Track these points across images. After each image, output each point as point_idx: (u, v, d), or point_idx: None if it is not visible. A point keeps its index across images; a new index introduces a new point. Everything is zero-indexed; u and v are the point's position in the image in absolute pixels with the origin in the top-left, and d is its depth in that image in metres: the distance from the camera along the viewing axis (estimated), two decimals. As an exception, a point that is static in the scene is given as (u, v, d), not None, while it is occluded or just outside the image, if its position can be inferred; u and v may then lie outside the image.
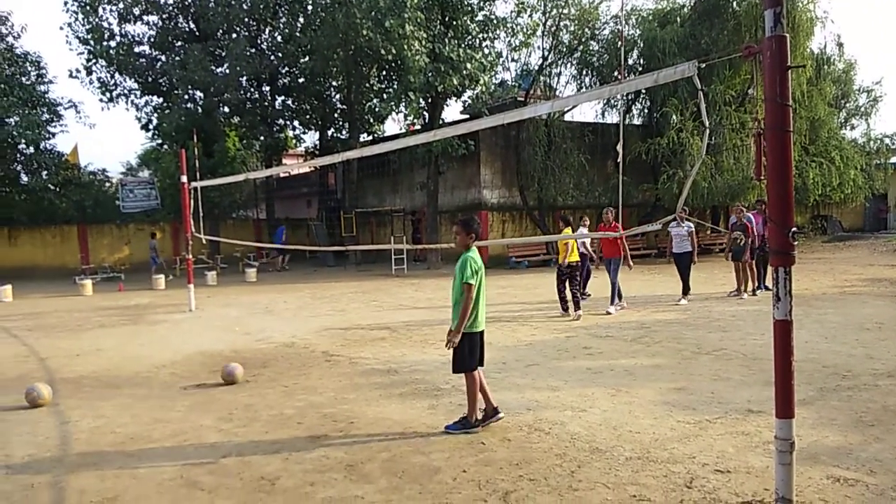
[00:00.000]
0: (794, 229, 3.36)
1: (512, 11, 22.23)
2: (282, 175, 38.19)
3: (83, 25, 25.54)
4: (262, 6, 25.78)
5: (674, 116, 21.67)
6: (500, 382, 6.48)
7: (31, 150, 24.55)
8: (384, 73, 24.43)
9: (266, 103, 28.63)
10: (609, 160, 25.64)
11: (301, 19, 27.01)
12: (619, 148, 4.87)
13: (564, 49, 24.22)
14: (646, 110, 26.59)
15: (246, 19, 26.62)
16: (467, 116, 26.11)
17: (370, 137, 27.84)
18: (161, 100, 27.58)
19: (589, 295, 12.86)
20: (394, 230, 26.11)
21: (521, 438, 4.86)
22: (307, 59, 26.15)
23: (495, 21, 21.62)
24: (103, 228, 27.63)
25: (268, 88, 28.71)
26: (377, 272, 22.43)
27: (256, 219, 33.01)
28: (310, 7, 25.99)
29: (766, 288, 12.93)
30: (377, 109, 25.16)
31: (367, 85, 25.32)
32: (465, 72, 20.04)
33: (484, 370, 5.28)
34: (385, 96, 24.41)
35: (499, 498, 3.84)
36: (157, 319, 12.51)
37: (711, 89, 21.25)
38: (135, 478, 4.40)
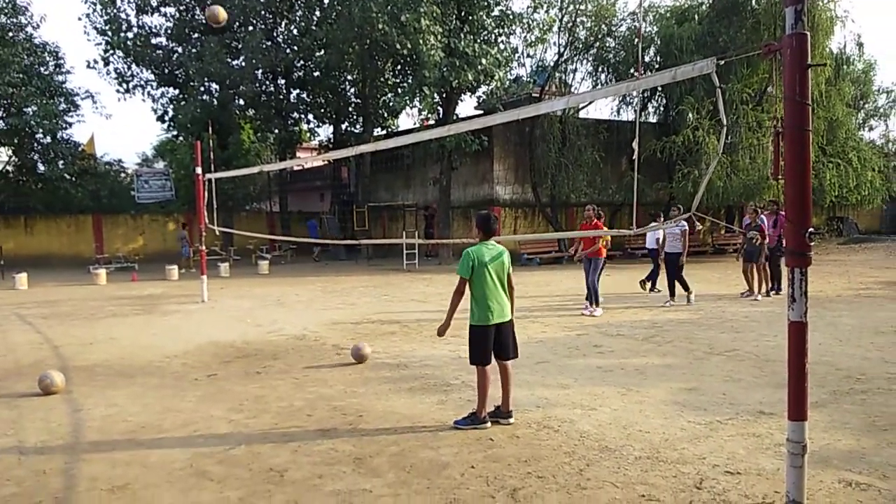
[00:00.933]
0: (810, 230, 3.32)
1: (528, 7, 22.21)
2: (295, 168, 38.32)
3: (101, 16, 25.74)
4: (278, -1, 25.86)
5: (690, 115, 21.50)
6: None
7: (48, 139, 24.78)
8: (399, 67, 24.44)
9: (281, 96, 28.73)
10: (623, 158, 25.52)
11: (317, 13, 27.07)
12: (635, 145, 4.83)
13: (580, 45, 24.11)
14: (661, 108, 26.45)
15: (262, 12, 26.70)
16: (481, 112, 26.12)
17: (384, 132, 27.87)
18: (177, 91, 27.75)
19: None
20: (406, 225, 26.14)
21: (529, 436, 4.85)
22: (322, 52, 26.20)
23: (511, 16, 21.54)
24: (118, 218, 27.87)
25: (283, 81, 28.79)
26: (388, 267, 22.47)
27: (270, 211, 33.15)
28: (326, 0, 26.02)
29: (780, 290, 12.84)
30: (391, 104, 25.23)
31: (382, 79, 25.36)
32: (480, 67, 19.99)
33: (513, 365, 5.28)
34: (399, 91, 24.44)
35: (507, 494, 3.83)
36: (170, 310, 12.60)
37: (729, 88, 21.06)
38: (145, 466, 4.43)
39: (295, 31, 28.13)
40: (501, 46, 21.57)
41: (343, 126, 30.03)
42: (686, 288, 11.81)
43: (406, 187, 28.97)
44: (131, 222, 28.25)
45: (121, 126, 79.52)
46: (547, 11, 22.35)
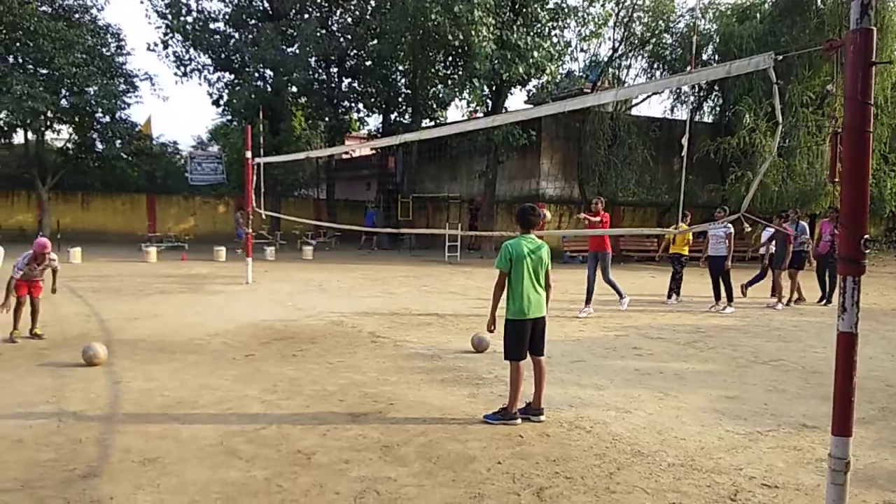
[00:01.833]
0: (866, 237, 3.14)
1: (584, 0, 21.79)
2: (343, 156, 38.71)
3: (162, 0, 26.36)
4: (334, -13, 26.07)
5: (747, 116, 20.85)
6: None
7: (107, 118, 25.56)
8: (450, 59, 24.35)
9: (332, 85, 28.99)
10: (675, 157, 24.94)
11: (371, 2, 27.18)
12: (684, 141, 4.66)
13: (636, 41, 23.61)
14: (717, 108, 25.75)
15: (318, 0, 26.95)
16: (530, 106, 25.87)
17: (432, 123, 27.86)
18: (232, 76, 28.28)
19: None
20: (450, 217, 26.12)
21: (560, 435, 4.76)
22: (375, 42, 26.32)
23: (566, 10, 21.25)
24: (171, 199, 28.62)
25: (335, 70, 29.05)
26: (430, 258, 22.49)
27: (317, 198, 33.55)
28: (381, -11, 26.13)
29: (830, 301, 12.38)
30: (441, 95, 25.19)
31: (433, 70, 25.32)
32: (531, 60, 19.80)
33: (547, 361, 5.22)
34: (449, 82, 24.38)
35: (532, 493, 3.76)
36: (215, 290, 12.85)
37: (789, 90, 20.35)
38: (177, 440, 4.51)
39: (349, 20, 28.35)
40: (554, 40, 21.32)
41: (392, 116, 30.16)
42: (730, 297, 11.33)
43: (452, 179, 28.94)
44: (183, 203, 28.97)
45: (177, 109, 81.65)
46: (603, 5, 21.96)
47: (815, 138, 20.56)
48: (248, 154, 14.08)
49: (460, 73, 22.29)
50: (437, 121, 28.07)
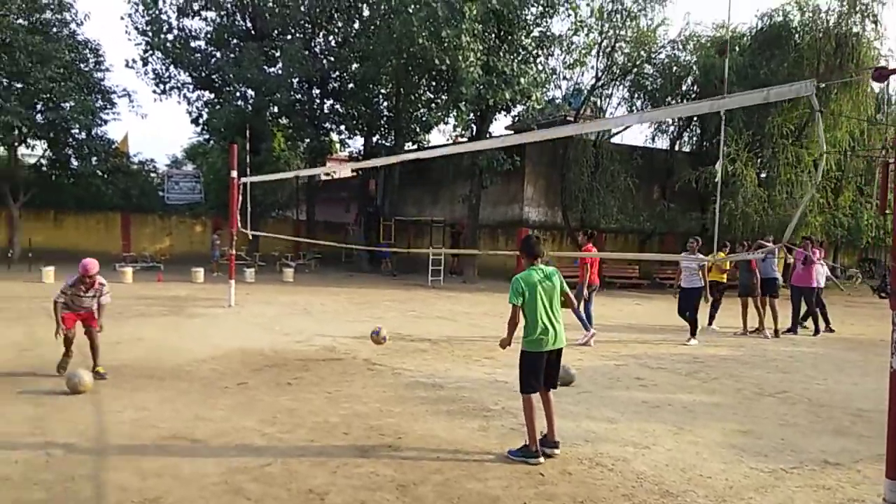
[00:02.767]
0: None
1: (569, 29, 21.99)
2: (323, 178, 38.42)
3: (143, 17, 26.05)
4: (318, 9, 26.00)
5: (727, 146, 21.13)
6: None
7: (83, 135, 24.97)
8: (434, 83, 24.34)
9: (315, 106, 28.78)
10: (656, 185, 25.16)
11: (356, 25, 27.15)
12: (718, 167, 4.57)
13: (618, 70, 23.86)
14: (695, 138, 26.10)
15: (302, 21, 26.86)
16: (511, 133, 25.94)
17: (415, 146, 27.76)
18: (213, 95, 27.94)
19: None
20: (433, 240, 25.93)
21: (582, 473, 4.56)
22: (359, 64, 26.24)
23: (551, 38, 21.43)
24: (146, 218, 28.00)
25: (317, 91, 28.87)
26: (412, 282, 22.24)
27: (296, 219, 33.15)
28: (366, 13, 26.11)
29: (802, 326, 12.39)
30: (425, 118, 25.14)
31: (417, 94, 25.28)
32: (517, 86, 19.83)
33: (554, 394, 5.04)
34: (433, 106, 24.35)
35: (566, 538, 3.55)
36: (197, 312, 12.45)
37: (768, 122, 20.72)
38: (177, 478, 4.21)
39: (333, 42, 28.25)
40: (540, 67, 21.43)
41: (374, 139, 30.00)
42: (693, 330, 10.69)
43: (434, 203, 28.79)
44: (159, 222, 28.37)
45: (154, 127, 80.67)
46: (587, 35, 22.15)
47: (795, 169, 20.90)
48: (234, 173, 13.79)
49: (445, 97, 22.27)
50: (420, 144, 27.95)
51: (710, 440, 5.43)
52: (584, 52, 22.41)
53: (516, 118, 23.37)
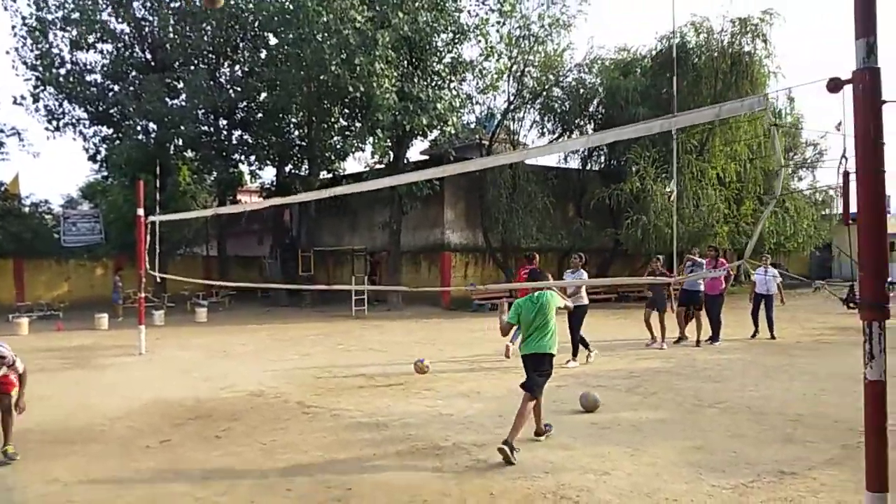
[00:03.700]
0: (890, 280, 3.01)
1: (480, 55, 22.28)
2: (232, 212, 37.15)
3: (31, 51, 24.43)
4: (222, 39, 25.26)
5: (635, 164, 21.88)
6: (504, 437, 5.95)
7: (-32, 178, 23.05)
8: (348, 110, 24.02)
9: (222, 137, 27.82)
10: (571, 204, 25.73)
11: (262, 53, 26.49)
12: (674, 186, 4.52)
13: (528, 94, 24.36)
14: (602, 156, 26.89)
15: (205, 51, 25.98)
16: (427, 158, 25.93)
17: (330, 175, 27.25)
18: (111, 130, 26.48)
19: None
20: (354, 270, 25.39)
21: (548, 508, 4.33)
22: (268, 93, 25.57)
23: (463, 63, 21.63)
24: (42, 263, 25.99)
25: (225, 122, 27.92)
26: (335, 313, 21.62)
27: (206, 255, 31.78)
28: (273, 41, 25.54)
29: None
30: (339, 146, 24.73)
31: (330, 122, 24.85)
32: (433, 112, 19.82)
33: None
34: (348, 134, 23.99)
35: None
36: (105, 363, 11.49)
37: (674, 138, 21.57)
38: (101, 563, 3.67)
39: (239, 72, 27.45)
40: (454, 92, 21.56)
41: (287, 168, 29.24)
42: (586, 345, 10.35)
43: (352, 231, 28.30)
44: (56, 267, 26.39)
45: (48, 166, 75.81)
46: (498, 60, 22.52)
47: (700, 182, 21.85)
48: (141, 212, 12.93)
49: (360, 124, 21.98)
50: (335, 173, 27.44)
51: (666, 460, 5.34)
52: (495, 77, 22.77)
53: (432, 144, 23.36)
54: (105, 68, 25.66)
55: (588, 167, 26.43)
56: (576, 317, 9.86)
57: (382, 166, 22.93)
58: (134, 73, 25.69)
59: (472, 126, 24.56)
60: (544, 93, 24.58)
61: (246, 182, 32.42)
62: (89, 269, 27.15)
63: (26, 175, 74.52)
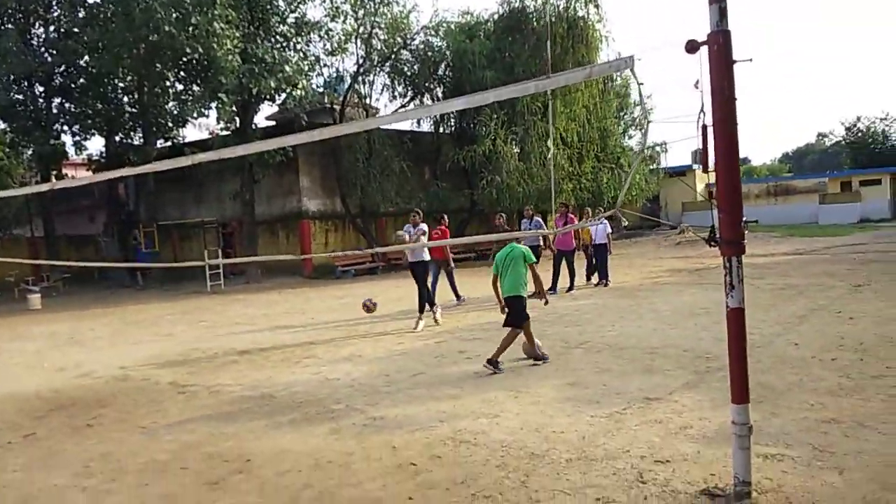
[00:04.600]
0: (744, 219, 3.47)
1: (325, 16, 21.69)
2: (57, 187, 33.67)
3: None
4: (31, -5, 22.55)
5: (485, 126, 22.55)
6: (395, 396, 6.12)
7: None
8: (185, 73, 22.46)
9: (40, 106, 24.98)
10: (427, 167, 26.09)
11: (81, 13, 23.93)
12: (550, 144, 4.78)
13: (377, 57, 24.16)
14: (453, 120, 27.40)
15: (11, 11, 23.05)
16: (275, 123, 24.99)
17: (169, 143, 25.46)
18: None
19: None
20: (207, 243, 24.14)
21: (450, 454, 4.56)
22: (90, 57, 23.22)
23: (309, 24, 20.98)
24: None
25: (41, 89, 25.06)
26: (190, 289, 20.55)
27: (31, 237, 28.70)
28: (91, 0, 23.14)
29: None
30: (176, 113, 23.17)
31: (164, 86, 23.10)
32: (281, 74, 19.11)
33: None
34: (185, 98, 22.50)
35: (464, 522, 3.52)
36: (-72, 363, 10.19)
37: (519, 101, 22.46)
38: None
39: (55, 33, 24.66)
40: (302, 54, 20.89)
41: (117, 137, 26.85)
42: (422, 307, 10.28)
43: (198, 203, 26.75)
44: None
45: None
46: (344, 21, 22.07)
47: (545, 142, 23.00)
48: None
49: (201, 88, 20.69)
50: (174, 140, 25.63)
51: (547, 398, 5.77)
52: (343, 39, 22.33)
53: (282, 107, 22.57)
54: None
55: (441, 130, 26.83)
56: (416, 273, 10.25)
57: (229, 133, 21.83)
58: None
59: (322, 90, 24.01)
60: (393, 56, 24.53)
61: (69, 154, 29.45)
62: None
63: None
